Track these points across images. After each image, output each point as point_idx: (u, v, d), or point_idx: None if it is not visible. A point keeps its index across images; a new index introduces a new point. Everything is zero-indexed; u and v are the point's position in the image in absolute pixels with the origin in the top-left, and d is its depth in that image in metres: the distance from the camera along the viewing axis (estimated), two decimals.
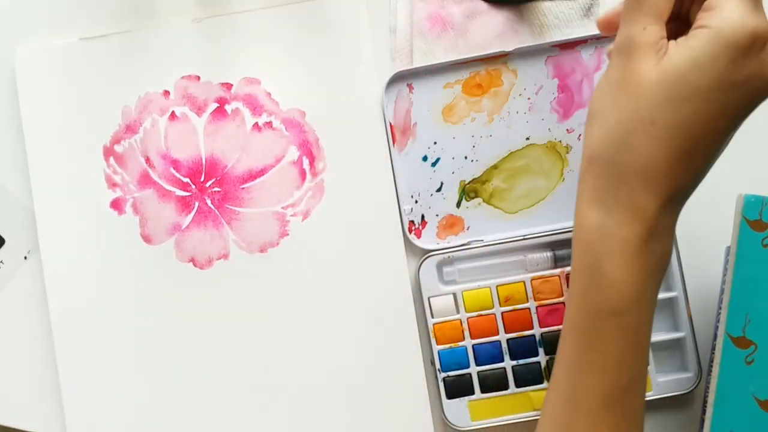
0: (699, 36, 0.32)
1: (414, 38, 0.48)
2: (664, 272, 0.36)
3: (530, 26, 0.48)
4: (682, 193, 0.35)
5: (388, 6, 0.49)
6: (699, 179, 0.35)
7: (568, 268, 0.47)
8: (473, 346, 0.47)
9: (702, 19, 0.32)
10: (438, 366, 0.47)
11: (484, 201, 0.49)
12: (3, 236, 0.49)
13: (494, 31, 0.48)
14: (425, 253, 0.48)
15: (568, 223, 0.48)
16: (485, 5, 0.48)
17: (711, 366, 0.44)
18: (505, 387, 0.47)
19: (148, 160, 0.48)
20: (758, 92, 0.32)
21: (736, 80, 0.31)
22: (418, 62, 0.48)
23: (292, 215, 0.48)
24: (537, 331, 0.47)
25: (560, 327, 0.47)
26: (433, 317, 0.47)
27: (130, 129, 0.48)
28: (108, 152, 0.48)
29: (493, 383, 0.47)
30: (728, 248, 0.44)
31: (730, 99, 0.32)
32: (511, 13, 0.48)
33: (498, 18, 0.48)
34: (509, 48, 0.47)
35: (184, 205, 0.48)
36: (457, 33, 0.48)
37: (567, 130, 0.48)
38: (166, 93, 0.48)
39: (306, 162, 0.48)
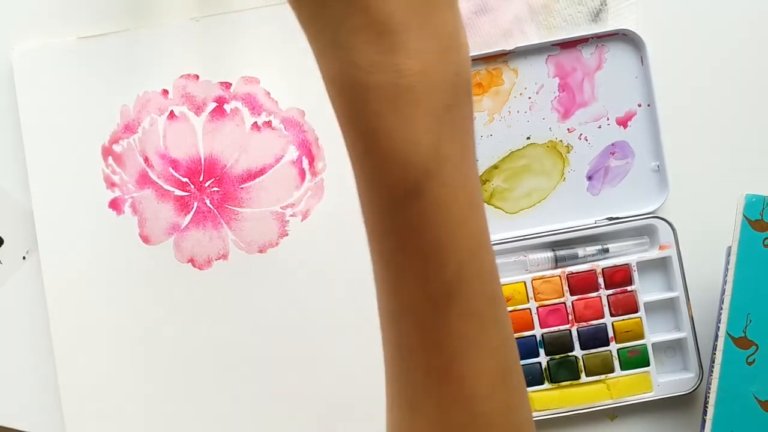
0: None
1: None
2: (470, 125, 0.26)
3: (538, 27, 0.48)
4: None
5: None
6: None
7: (569, 269, 0.47)
8: None
9: None
10: None
11: (484, 201, 0.48)
12: (2, 236, 0.49)
13: (501, 29, 0.48)
14: None
15: (570, 223, 0.48)
16: (494, 2, 0.47)
17: (712, 366, 0.44)
18: None
19: (146, 159, 0.48)
20: None
21: None
22: None
23: (291, 215, 0.48)
24: (537, 331, 0.47)
25: (561, 327, 0.47)
26: None
27: (129, 128, 0.48)
28: (106, 152, 0.48)
29: None
30: (729, 248, 0.44)
31: None
32: (520, 12, 0.48)
33: (506, 16, 0.48)
34: (510, 47, 0.47)
35: (183, 205, 0.48)
36: None
37: (568, 129, 0.48)
38: (165, 92, 0.48)
39: (305, 161, 0.48)
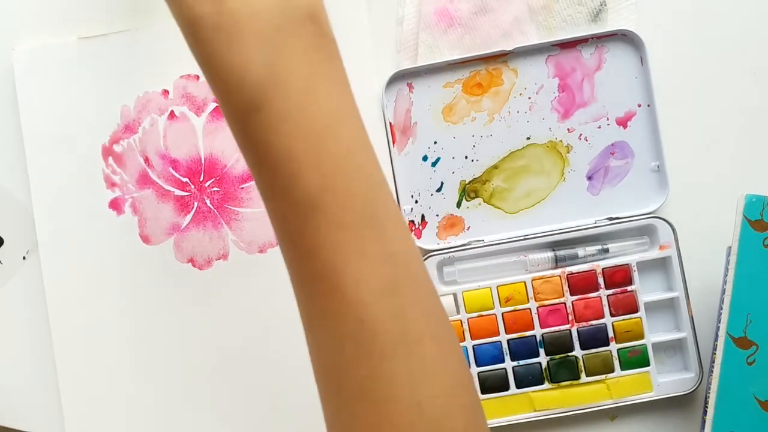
0: None
1: (420, 31, 0.48)
2: (318, 28, 0.28)
3: (537, 27, 0.48)
4: None
5: None
6: None
7: (569, 269, 0.47)
8: (473, 346, 0.47)
9: None
10: None
11: (484, 201, 0.48)
12: (2, 236, 0.49)
13: (501, 30, 0.48)
14: (425, 254, 0.48)
15: (570, 223, 0.48)
16: (494, 3, 0.47)
17: (712, 366, 0.44)
18: (506, 388, 0.47)
19: (147, 159, 0.48)
20: None
21: None
22: (423, 56, 0.48)
23: None
24: (538, 331, 0.47)
25: (561, 327, 0.47)
26: None
27: (129, 129, 0.48)
28: (107, 152, 0.48)
29: (494, 384, 0.47)
30: (729, 248, 0.44)
31: None
32: (520, 12, 0.48)
33: (506, 17, 0.48)
34: (510, 47, 0.47)
35: (183, 205, 0.48)
36: (464, 29, 0.48)
37: (567, 129, 0.48)
38: (165, 92, 0.48)
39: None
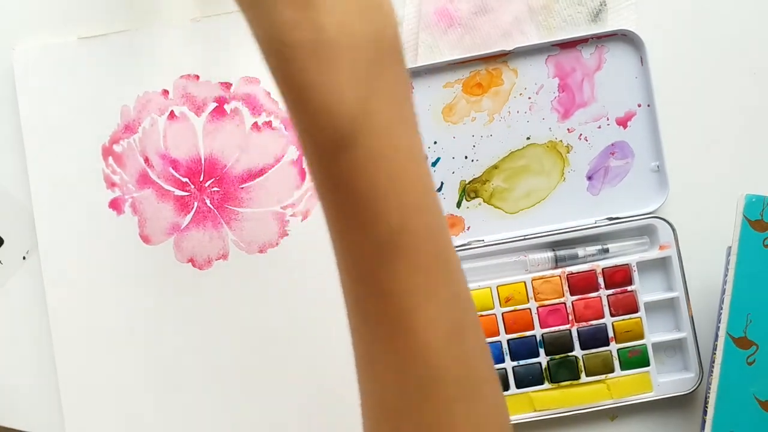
0: None
1: (420, 31, 0.48)
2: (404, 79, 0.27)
3: (537, 27, 0.48)
4: None
5: None
6: None
7: (569, 269, 0.47)
8: None
9: None
10: None
11: (484, 201, 0.49)
12: (2, 236, 0.49)
13: (501, 30, 0.48)
14: None
15: (570, 223, 0.48)
16: (494, 3, 0.47)
17: (712, 366, 0.44)
18: (506, 388, 0.47)
19: (147, 159, 0.48)
20: None
21: None
22: (423, 56, 0.48)
23: (291, 215, 0.48)
24: (538, 331, 0.47)
25: (561, 327, 0.47)
26: None
27: (129, 129, 0.48)
28: (107, 152, 0.48)
29: None
30: (729, 248, 0.44)
31: None
32: (520, 12, 0.48)
33: (506, 17, 0.48)
34: (510, 47, 0.47)
35: (183, 205, 0.48)
36: (464, 29, 0.48)
37: (567, 129, 0.48)
38: (165, 92, 0.48)
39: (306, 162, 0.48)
